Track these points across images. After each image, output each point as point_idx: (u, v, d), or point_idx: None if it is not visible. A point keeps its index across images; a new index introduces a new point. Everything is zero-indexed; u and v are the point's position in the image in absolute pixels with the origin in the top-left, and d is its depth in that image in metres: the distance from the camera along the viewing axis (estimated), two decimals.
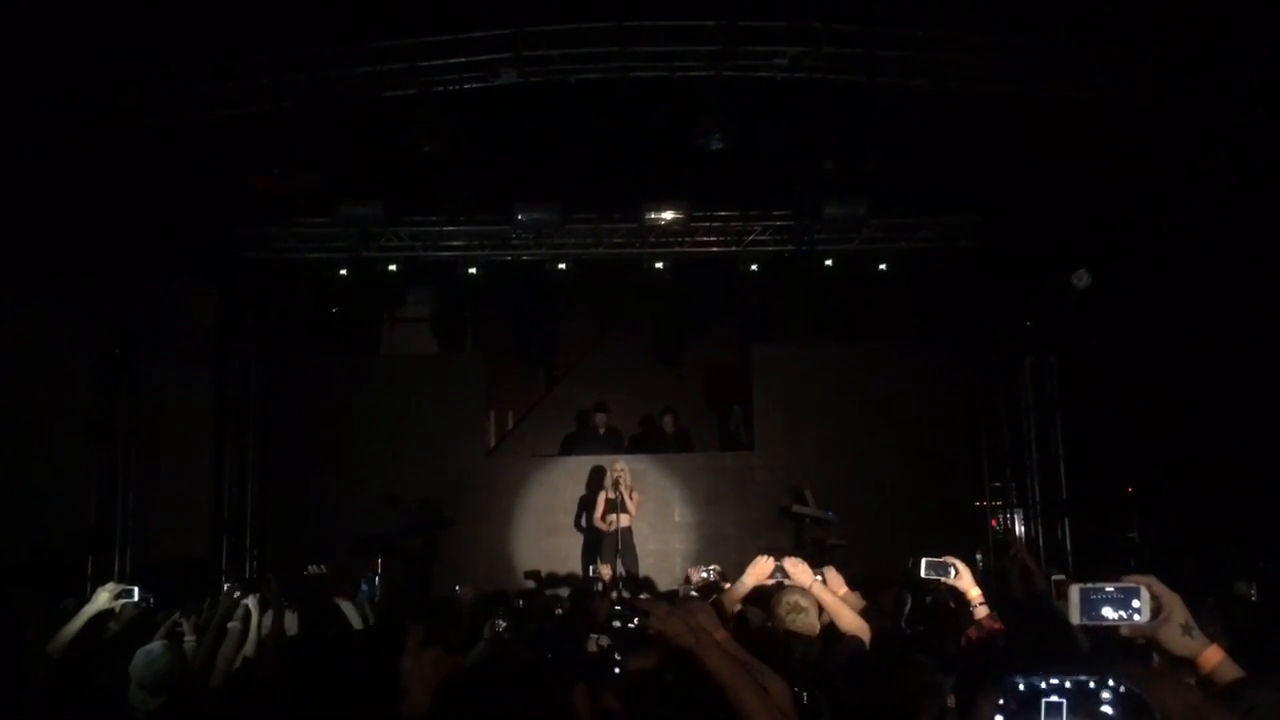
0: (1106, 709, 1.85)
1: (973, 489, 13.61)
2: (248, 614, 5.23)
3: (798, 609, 4.53)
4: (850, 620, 4.43)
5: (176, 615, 5.52)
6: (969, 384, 13.73)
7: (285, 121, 10.33)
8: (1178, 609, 2.04)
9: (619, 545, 11.30)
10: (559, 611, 6.30)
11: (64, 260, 11.54)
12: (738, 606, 4.83)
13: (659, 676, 3.14)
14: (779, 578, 4.55)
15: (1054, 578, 6.51)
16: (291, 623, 6.02)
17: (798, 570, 4.54)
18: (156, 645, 4.66)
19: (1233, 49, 9.49)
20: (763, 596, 4.84)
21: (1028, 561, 6.91)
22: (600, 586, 10.35)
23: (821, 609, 4.58)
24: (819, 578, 4.65)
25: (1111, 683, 1.82)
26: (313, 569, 9.10)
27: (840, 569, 5.01)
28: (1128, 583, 2.05)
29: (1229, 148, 10.19)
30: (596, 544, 11.98)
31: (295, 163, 11.76)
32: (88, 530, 11.28)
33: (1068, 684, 1.87)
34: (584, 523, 12.66)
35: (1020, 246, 12.81)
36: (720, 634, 3.29)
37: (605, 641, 3.72)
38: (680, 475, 13.31)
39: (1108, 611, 2.01)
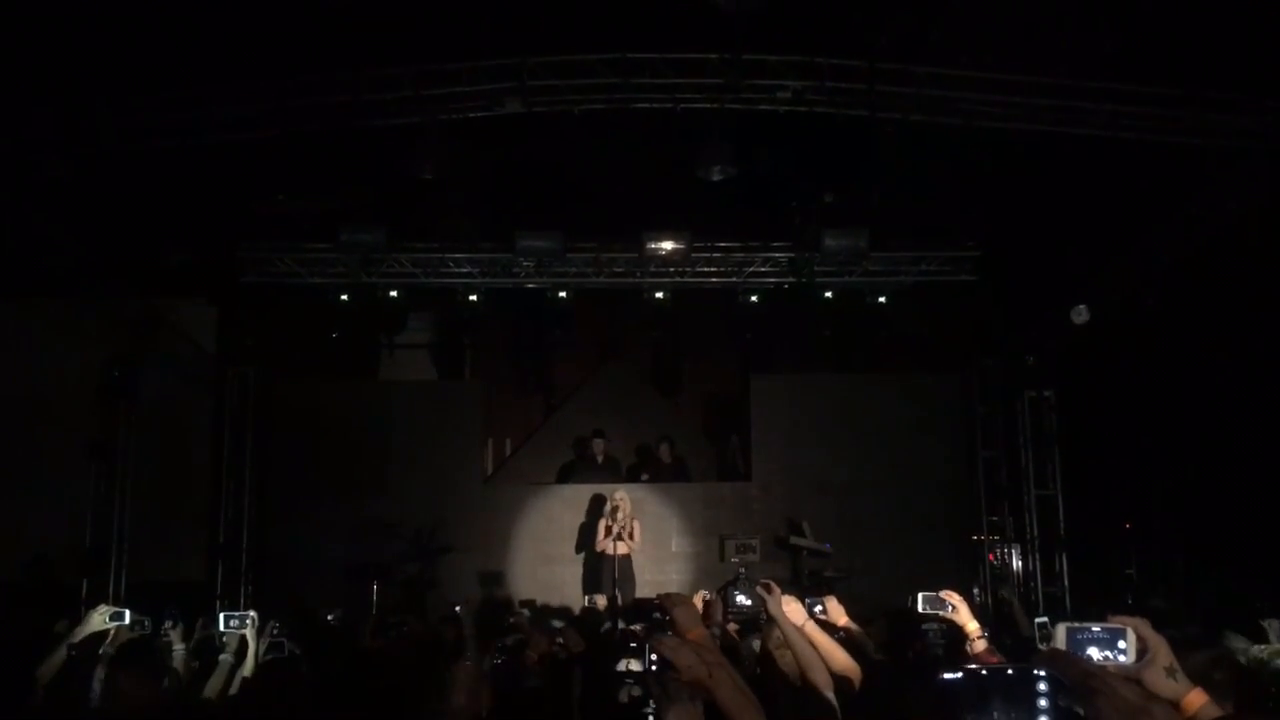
0: (1042, 701, 1.86)
1: (970, 523, 13.58)
2: (243, 642, 5.20)
3: (786, 644, 4.47)
4: (841, 660, 4.39)
5: (166, 624, 5.51)
6: (967, 418, 13.74)
7: (288, 146, 10.38)
8: (1162, 651, 2.06)
9: (617, 574, 11.27)
10: (560, 641, 6.23)
11: (65, 280, 11.58)
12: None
13: None
14: (819, 614, 4.53)
15: (1037, 620, 6.51)
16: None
17: (791, 608, 4.49)
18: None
19: (1231, 86, 9.56)
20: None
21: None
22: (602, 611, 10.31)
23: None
24: (819, 607, 4.63)
25: (1045, 674, 1.84)
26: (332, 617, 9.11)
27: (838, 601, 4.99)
28: (1114, 624, 2.07)
29: (1228, 183, 10.24)
30: (596, 572, 11.96)
31: (298, 187, 11.83)
32: (84, 551, 11.25)
33: (1009, 671, 1.89)
34: (583, 550, 12.63)
35: (1019, 281, 12.85)
36: (697, 632, 3.28)
37: (638, 691, 3.68)
38: (678, 505, 13.29)
39: (1093, 651, 2.02)
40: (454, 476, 13.29)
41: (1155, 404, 12.20)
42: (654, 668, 3.64)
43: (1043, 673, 1.87)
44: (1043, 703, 1.86)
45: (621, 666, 3.75)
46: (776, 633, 4.47)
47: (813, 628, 4.49)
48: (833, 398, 13.79)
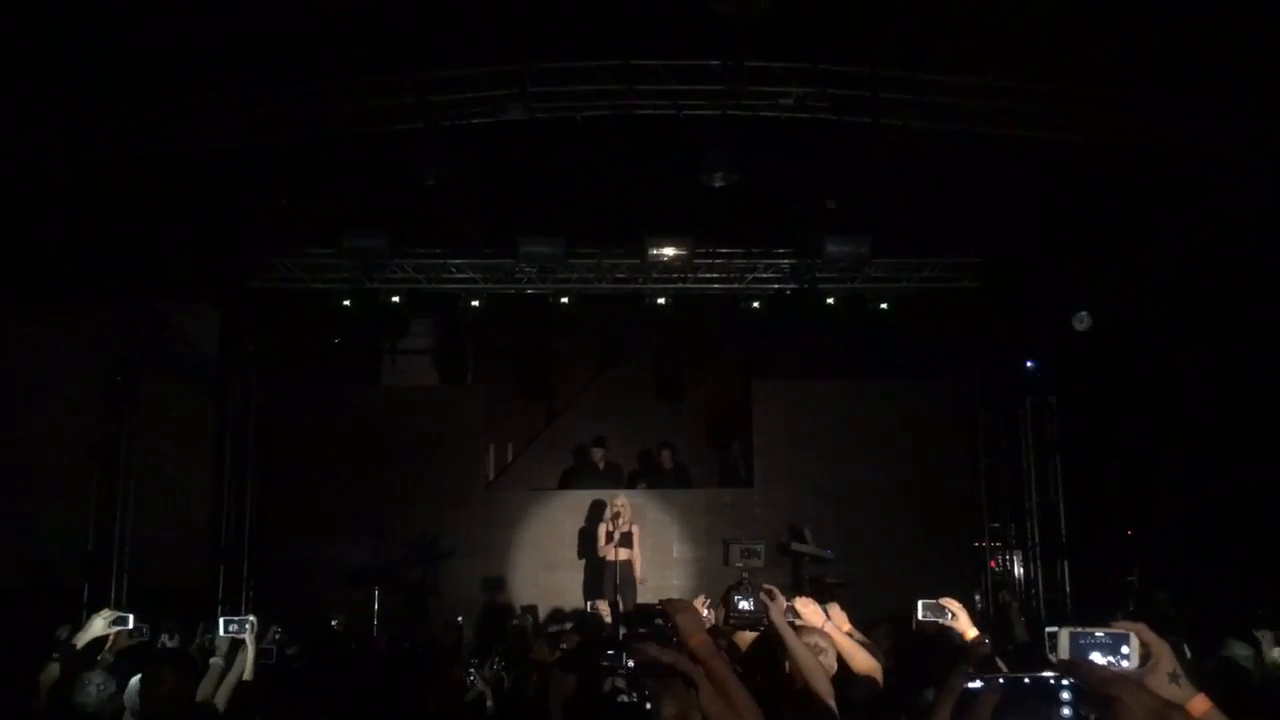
0: (1066, 710, 1.87)
1: (972, 529, 13.57)
2: (234, 647, 5.20)
3: (817, 649, 4.44)
4: (864, 661, 4.40)
5: (163, 637, 5.52)
6: (969, 424, 13.73)
7: (292, 152, 10.39)
8: (1166, 657, 2.05)
9: (618, 580, 11.26)
10: (564, 646, 6.23)
11: (67, 284, 11.58)
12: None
13: None
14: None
15: (1048, 630, 6.50)
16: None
17: (809, 610, 4.51)
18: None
19: (1233, 92, 9.57)
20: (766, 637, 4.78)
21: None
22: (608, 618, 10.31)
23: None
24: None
25: (1068, 683, 1.84)
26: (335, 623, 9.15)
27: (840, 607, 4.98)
28: (1117, 629, 2.07)
29: (1229, 189, 10.24)
30: (597, 577, 11.94)
31: (301, 193, 11.84)
32: (85, 556, 11.24)
33: (1032, 680, 1.90)
34: (584, 556, 12.62)
35: (1021, 287, 12.86)
36: (699, 637, 3.29)
37: (635, 697, 3.69)
38: (679, 511, 13.27)
39: (1096, 656, 2.03)
40: (456, 482, 13.29)
41: (1157, 410, 12.20)
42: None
43: (1066, 681, 1.87)
44: (1066, 711, 1.86)
45: (607, 686, 3.75)
46: (807, 639, 4.45)
47: (833, 628, 4.50)
48: (834, 403, 13.78)
